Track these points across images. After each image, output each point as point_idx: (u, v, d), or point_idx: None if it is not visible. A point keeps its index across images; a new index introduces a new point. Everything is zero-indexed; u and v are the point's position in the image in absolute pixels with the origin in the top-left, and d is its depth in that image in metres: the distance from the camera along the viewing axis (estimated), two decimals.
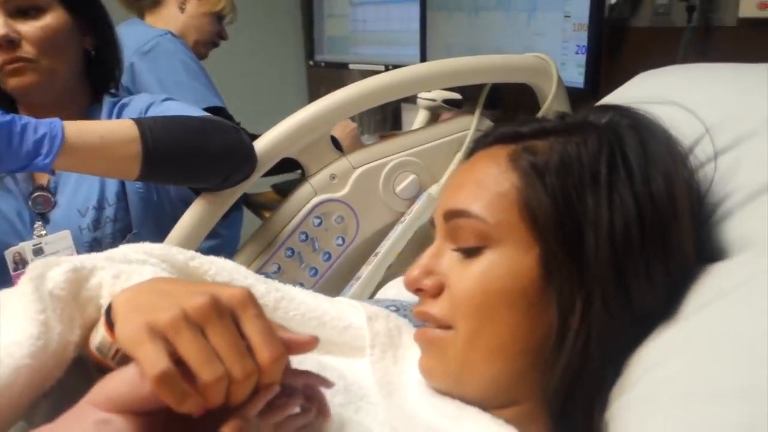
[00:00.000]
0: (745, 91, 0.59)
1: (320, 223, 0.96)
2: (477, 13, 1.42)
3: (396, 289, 0.84)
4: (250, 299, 0.41)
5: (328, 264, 0.98)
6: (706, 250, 0.53)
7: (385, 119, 2.00)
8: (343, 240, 0.98)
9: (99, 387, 0.42)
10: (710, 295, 0.48)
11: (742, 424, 0.39)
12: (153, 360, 0.37)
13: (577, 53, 1.22)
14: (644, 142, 0.53)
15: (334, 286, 0.97)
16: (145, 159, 0.80)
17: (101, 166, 0.81)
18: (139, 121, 0.81)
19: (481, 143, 0.62)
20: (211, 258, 0.61)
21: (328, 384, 0.48)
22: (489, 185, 0.55)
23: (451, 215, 0.56)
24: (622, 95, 0.74)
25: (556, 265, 0.51)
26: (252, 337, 0.40)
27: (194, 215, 0.90)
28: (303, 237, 0.96)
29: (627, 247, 0.50)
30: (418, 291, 0.58)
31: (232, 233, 1.55)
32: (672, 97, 0.62)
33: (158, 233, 0.91)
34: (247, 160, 0.89)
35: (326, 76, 2.27)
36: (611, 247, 0.49)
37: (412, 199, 0.99)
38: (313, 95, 2.50)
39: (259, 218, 1.50)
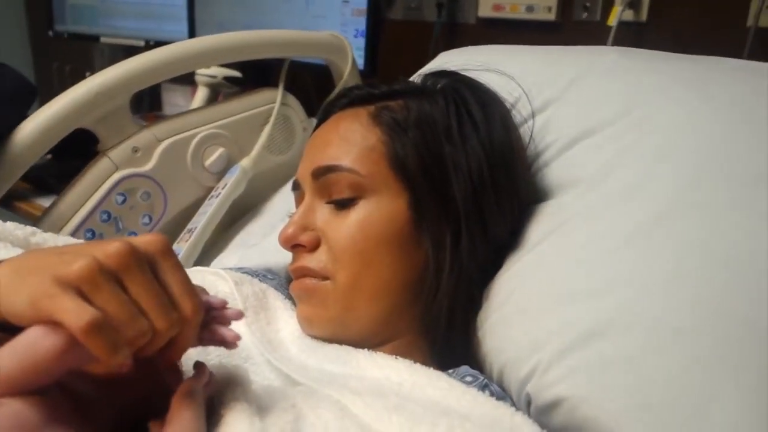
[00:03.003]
0: (543, 66, 0.73)
1: (124, 201, 0.88)
2: None
3: (236, 258, 0.82)
4: (168, 247, 0.39)
5: None
6: (534, 193, 0.65)
7: (142, 100, 1.86)
8: (150, 218, 0.91)
9: None
10: (550, 225, 0.59)
11: (600, 314, 0.50)
12: (77, 310, 0.33)
13: (356, 37, 1.30)
14: (482, 101, 0.62)
15: None
16: None
17: None
18: None
19: (336, 105, 0.65)
20: (52, 234, 0.54)
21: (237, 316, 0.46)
22: (356, 141, 0.58)
23: (322, 171, 0.58)
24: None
25: (425, 205, 0.57)
26: (173, 287, 0.38)
27: None
28: (105, 216, 0.87)
29: (482, 185, 0.58)
30: (294, 247, 0.59)
31: None
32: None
33: None
34: (33, 91, 0.83)
35: (62, 48, 2.01)
36: (470, 186, 0.57)
37: (221, 174, 0.97)
38: (44, 69, 2.19)
39: (10, 210, 1.27)
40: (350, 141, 0.59)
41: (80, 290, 0.34)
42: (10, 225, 0.53)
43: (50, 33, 1.83)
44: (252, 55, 0.99)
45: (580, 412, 0.47)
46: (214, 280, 0.61)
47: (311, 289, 0.57)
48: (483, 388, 0.53)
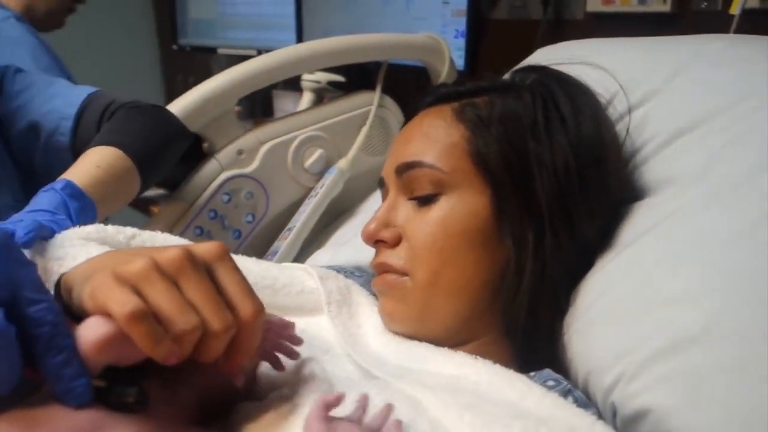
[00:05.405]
0: (644, 57, 0.68)
1: (229, 200, 0.93)
2: None
3: (329, 256, 0.84)
4: (225, 252, 0.40)
5: (239, 242, 0.96)
6: (628, 192, 0.61)
7: (254, 106, 1.96)
8: (253, 217, 0.96)
9: None
10: (644, 225, 0.55)
11: (695, 321, 0.46)
12: (122, 300, 0.35)
13: (456, 37, 1.30)
14: (571, 94, 0.60)
15: None
16: (140, 171, 0.76)
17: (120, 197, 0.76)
18: (108, 141, 0.76)
19: (422, 104, 0.65)
20: (151, 233, 0.58)
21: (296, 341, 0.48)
22: (439, 137, 0.58)
23: (405, 168, 0.59)
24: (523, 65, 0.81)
25: (507, 203, 0.56)
26: (231, 290, 0.38)
27: None
28: (212, 215, 0.93)
29: (568, 182, 0.56)
30: (377, 243, 0.60)
31: None
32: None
33: None
34: (184, 132, 0.87)
35: (185, 61, 2.16)
36: (555, 183, 0.55)
37: (320, 174, 1.00)
38: (171, 81, 2.37)
39: (145, 213, 1.38)
40: (433, 137, 0.58)
41: (134, 286, 0.36)
42: (111, 229, 0.56)
43: (174, 47, 1.98)
44: (349, 59, 1.01)
45: (667, 424, 0.44)
46: (300, 275, 0.63)
47: (392, 285, 0.58)
48: (565, 394, 0.50)
